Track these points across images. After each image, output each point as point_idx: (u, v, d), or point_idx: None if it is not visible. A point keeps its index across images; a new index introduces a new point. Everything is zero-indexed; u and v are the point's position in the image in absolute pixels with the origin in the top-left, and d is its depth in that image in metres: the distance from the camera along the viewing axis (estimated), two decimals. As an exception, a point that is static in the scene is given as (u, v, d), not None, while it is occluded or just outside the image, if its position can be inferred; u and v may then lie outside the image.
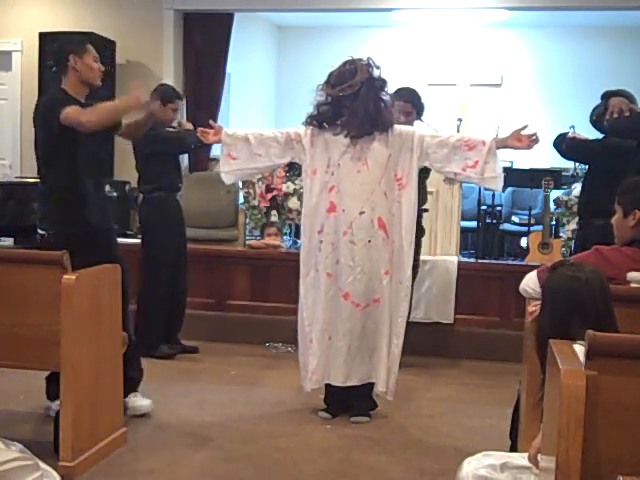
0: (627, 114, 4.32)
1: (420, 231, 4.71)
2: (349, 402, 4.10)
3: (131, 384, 3.91)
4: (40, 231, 3.83)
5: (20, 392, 4.28)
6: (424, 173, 4.50)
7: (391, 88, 4.07)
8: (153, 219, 5.12)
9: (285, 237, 6.32)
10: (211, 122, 4.16)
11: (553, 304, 2.34)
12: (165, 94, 5.04)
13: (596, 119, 4.51)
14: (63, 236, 3.71)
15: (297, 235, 6.09)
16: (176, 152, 5.25)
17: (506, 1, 6.92)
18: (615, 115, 4.33)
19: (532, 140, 3.88)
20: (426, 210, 5.05)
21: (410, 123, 4.46)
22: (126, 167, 6.44)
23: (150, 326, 5.07)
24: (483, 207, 7.39)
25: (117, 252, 3.94)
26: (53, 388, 3.68)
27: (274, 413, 4.19)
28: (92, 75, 3.81)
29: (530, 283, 2.95)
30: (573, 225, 6.07)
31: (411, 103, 4.66)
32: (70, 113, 3.63)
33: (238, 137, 4.08)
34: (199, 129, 4.18)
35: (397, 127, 4.00)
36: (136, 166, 5.12)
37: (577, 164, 6.58)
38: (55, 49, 3.87)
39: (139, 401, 3.98)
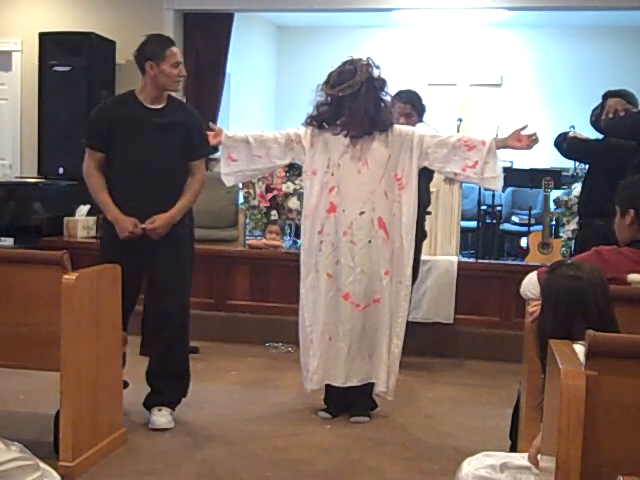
0: (622, 114, 4.33)
1: (422, 234, 4.70)
2: (349, 402, 4.10)
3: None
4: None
5: (20, 392, 4.29)
6: (428, 173, 4.48)
7: (391, 88, 4.07)
8: None
9: (285, 237, 6.31)
10: (211, 124, 4.16)
11: (555, 305, 2.34)
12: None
13: (595, 120, 4.52)
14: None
15: (297, 235, 6.09)
16: None
17: (506, 1, 6.92)
18: (610, 115, 4.34)
19: (532, 140, 3.87)
20: (429, 213, 5.05)
21: (412, 125, 4.44)
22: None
23: None
24: (483, 207, 7.39)
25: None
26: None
27: (274, 413, 4.19)
28: (168, 82, 3.76)
29: (530, 287, 2.95)
30: (573, 225, 6.07)
31: (411, 104, 4.65)
32: (86, 158, 3.81)
33: (238, 139, 4.09)
34: None
35: (397, 127, 4.00)
36: None
37: (577, 164, 6.58)
38: (135, 52, 3.83)
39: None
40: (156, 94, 3.77)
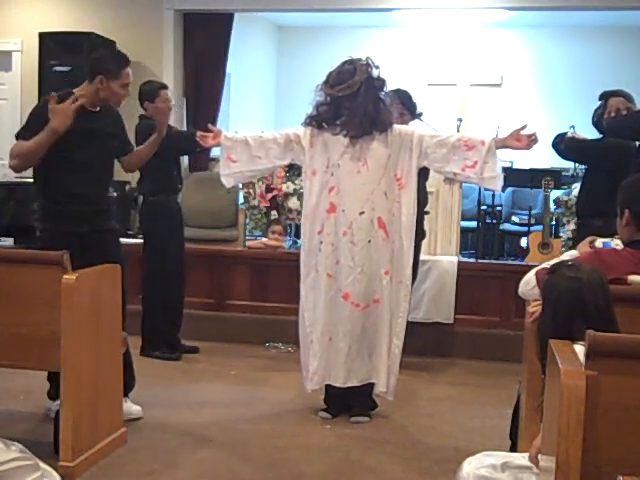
0: (624, 113, 4.33)
1: (421, 234, 4.70)
2: (349, 402, 4.10)
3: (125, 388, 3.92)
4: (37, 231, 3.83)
5: (20, 392, 4.28)
6: (425, 173, 4.49)
7: (390, 88, 4.07)
8: (155, 223, 5.08)
9: (285, 237, 6.31)
10: (210, 126, 4.15)
11: (555, 306, 2.34)
12: (148, 93, 5.00)
13: (597, 120, 4.52)
14: (43, 234, 3.74)
15: (297, 235, 6.09)
16: (185, 151, 5.21)
17: (506, 1, 6.92)
18: (612, 114, 4.34)
19: (531, 140, 3.88)
20: (427, 212, 5.04)
21: (404, 124, 4.44)
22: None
23: (156, 328, 5.09)
24: (483, 207, 7.38)
25: (115, 254, 3.90)
26: (55, 389, 3.68)
27: (274, 413, 4.19)
28: (113, 99, 3.83)
29: (528, 287, 2.94)
30: (573, 225, 6.06)
31: (401, 104, 4.64)
32: (13, 148, 3.71)
33: (237, 140, 4.08)
34: (198, 133, 4.16)
35: (396, 127, 4.00)
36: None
37: (577, 164, 6.57)
38: (91, 60, 3.86)
39: (129, 407, 3.91)
40: (97, 102, 3.81)
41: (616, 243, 3.08)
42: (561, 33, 9.34)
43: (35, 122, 3.69)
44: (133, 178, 5.51)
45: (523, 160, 8.00)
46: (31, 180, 3.90)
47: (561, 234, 6.46)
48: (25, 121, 3.81)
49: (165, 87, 5.13)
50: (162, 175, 5.00)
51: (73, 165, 3.75)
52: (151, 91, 4.99)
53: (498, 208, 7.84)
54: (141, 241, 5.38)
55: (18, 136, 3.74)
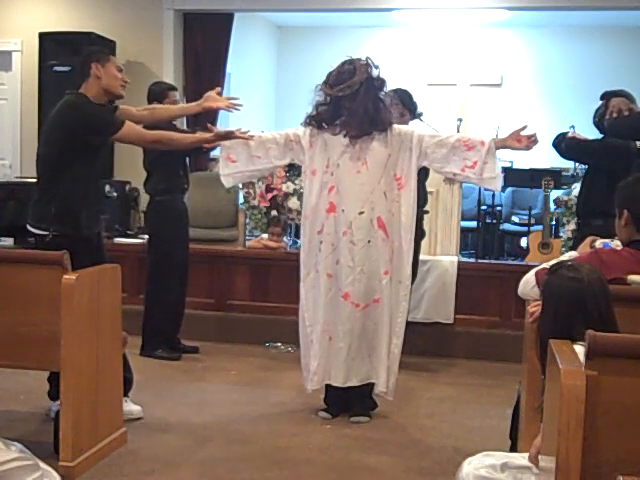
0: (626, 113, 4.33)
1: (420, 233, 4.70)
2: (349, 402, 4.10)
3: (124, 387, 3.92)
4: (36, 231, 3.80)
5: (20, 392, 4.29)
6: (424, 172, 4.49)
7: (390, 88, 4.07)
8: (161, 223, 5.08)
9: (285, 237, 6.30)
10: (209, 126, 4.15)
11: (555, 306, 2.34)
12: (157, 93, 5.04)
13: (598, 120, 4.52)
14: (60, 238, 3.70)
15: (297, 235, 6.08)
16: (188, 151, 5.22)
17: (506, 1, 6.92)
18: (614, 115, 4.34)
19: (531, 141, 3.88)
20: (427, 212, 5.04)
21: (405, 124, 4.44)
22: (126, 167, 6.44)
23: (156, 328, 5.09)
24: (483, 207, 7.39)
25: (105, 254, 3.93)
26: (55, 389, 3.68)
27: (274, 413, 4.19)
28: (115, 84, 3.81)
29: (528, 287, 2.94)
30: (573, 225, 6.06)
31: (401, 104, 4.64)
32: (136, 130, 3.78)
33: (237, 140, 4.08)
34: (198, 133, 4.16)
35: (396, 127, 4.00)
36: (144, 165, 5.10)
37: (577, 164, 6.58)
38: (80, 60, 3.89)
39: (129, 406, 3.91)
40: (104, 100, 3.83)
41: (616, 244, 3.08)
42: (561, 33, 9.35)
43: (108, 115, 3.78)
44: (132, 178, 5.51)
45: (523, 160, 8.00)
46: (31, 180, 3.90)
47: (561, 234, 6.45)
48: (97, 121, 3.73)
49: (174, 88, 5.22)
50: (169, 175, 5.01)
51: (86, 169, 3.77)
52: (160, 92, 5.06)
53: (498, 208, 7.84)
54: (141, 241, 5.39)
55: (112, 132, 3.72)
